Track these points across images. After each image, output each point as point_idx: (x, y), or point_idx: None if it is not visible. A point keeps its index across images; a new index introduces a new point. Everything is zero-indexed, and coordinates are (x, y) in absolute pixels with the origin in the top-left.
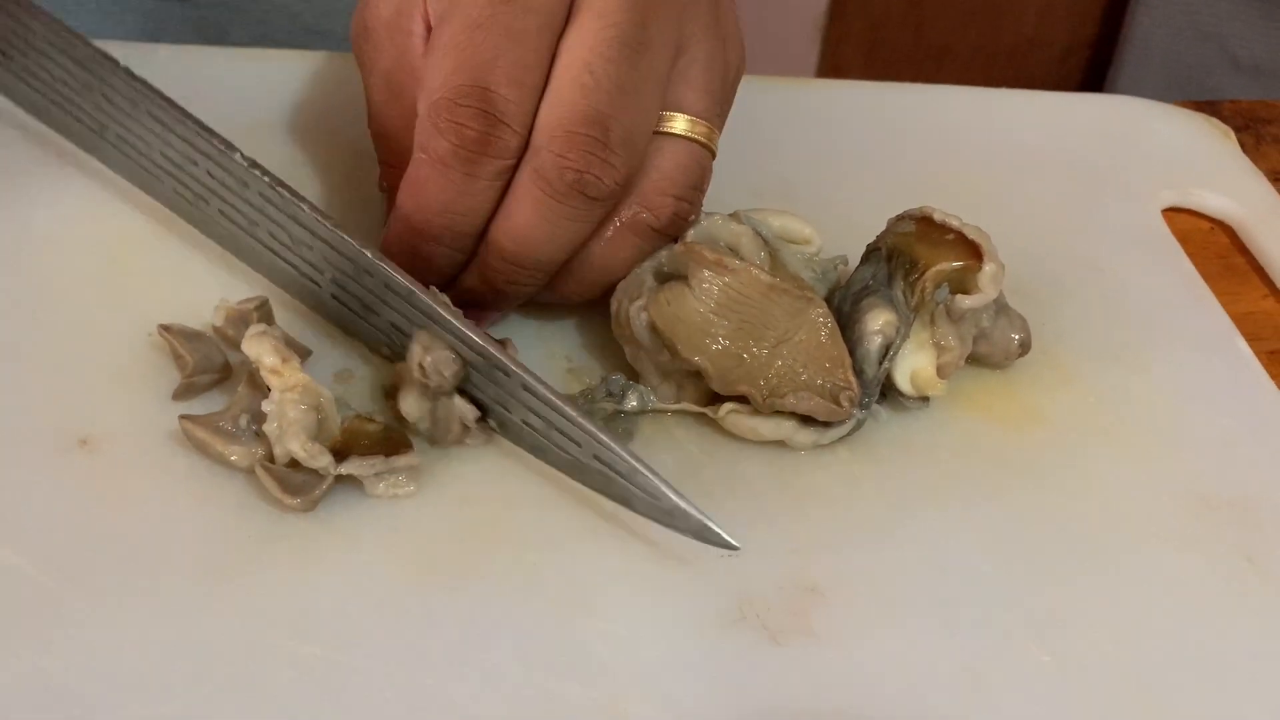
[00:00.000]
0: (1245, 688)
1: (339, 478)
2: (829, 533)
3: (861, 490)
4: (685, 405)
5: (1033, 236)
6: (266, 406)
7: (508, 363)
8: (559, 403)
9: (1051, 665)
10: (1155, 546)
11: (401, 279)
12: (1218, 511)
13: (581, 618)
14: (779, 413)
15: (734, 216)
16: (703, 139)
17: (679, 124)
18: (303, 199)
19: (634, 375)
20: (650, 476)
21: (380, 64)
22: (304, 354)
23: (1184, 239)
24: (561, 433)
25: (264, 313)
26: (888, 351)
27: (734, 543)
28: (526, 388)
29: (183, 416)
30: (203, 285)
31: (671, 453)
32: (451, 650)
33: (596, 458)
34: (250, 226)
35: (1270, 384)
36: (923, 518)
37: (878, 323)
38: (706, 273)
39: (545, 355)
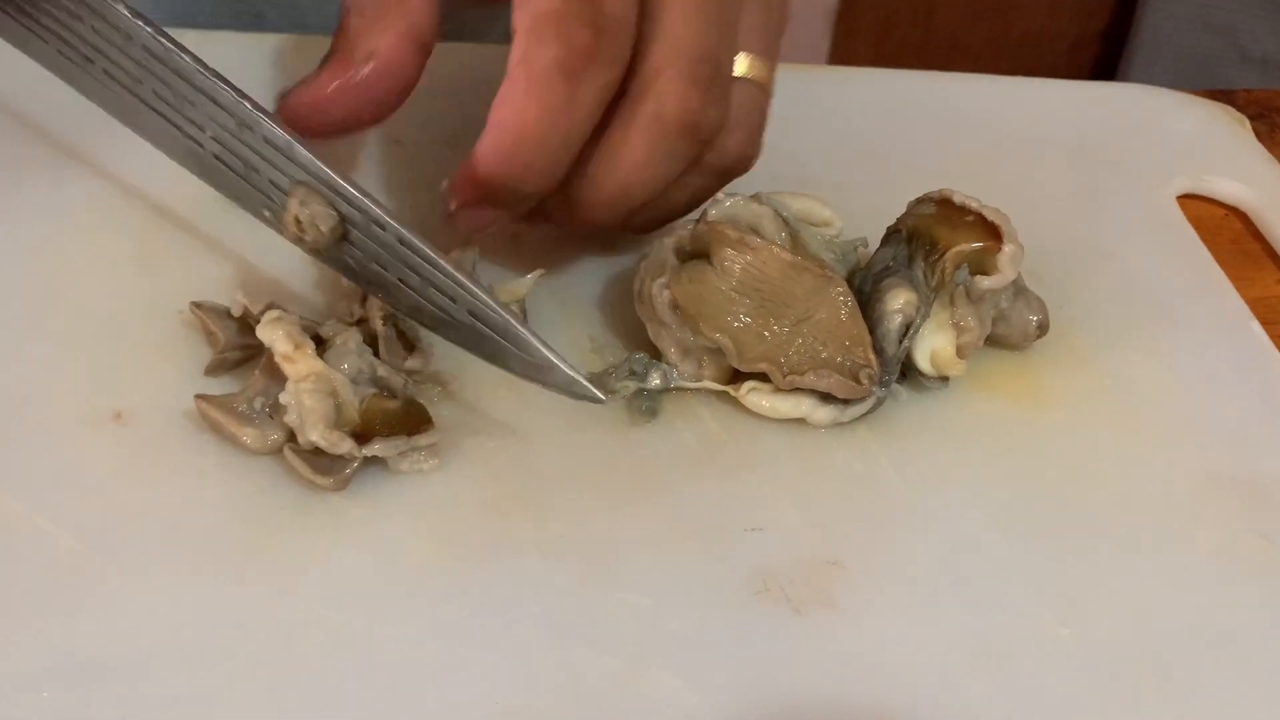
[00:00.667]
0: (1260, 662)
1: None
2: (849, 509)
3: (881, 468)
4: (707, 383)
5: (1048, 222)
6: (284, 398)
7: (385, 216)
8: (435, 257)
9: (1068, 639)
10: (1171, 525)
11: (281, 132)
12: (1232, 491)
13: (605, 589)
14: (799, 390)
15: (755, 198)
16: (763, 80)
17: (741, 65)
18: (185, 50)
19: (656, 354)
20: (524, 331)
21: None
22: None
23: (1198, 225)
24: (437, 289)
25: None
26: (908, 330)
27: (600, 395)
28: (403, 241)
29: (198, 396)
30: (235, 262)
31: (693, 429)
32: (477, 621)
33: (471, 313)
34: (134, 85)
35: None
36: (941, 495)
37: (898, 302)
38: (728, 251)
39: (569, 335)
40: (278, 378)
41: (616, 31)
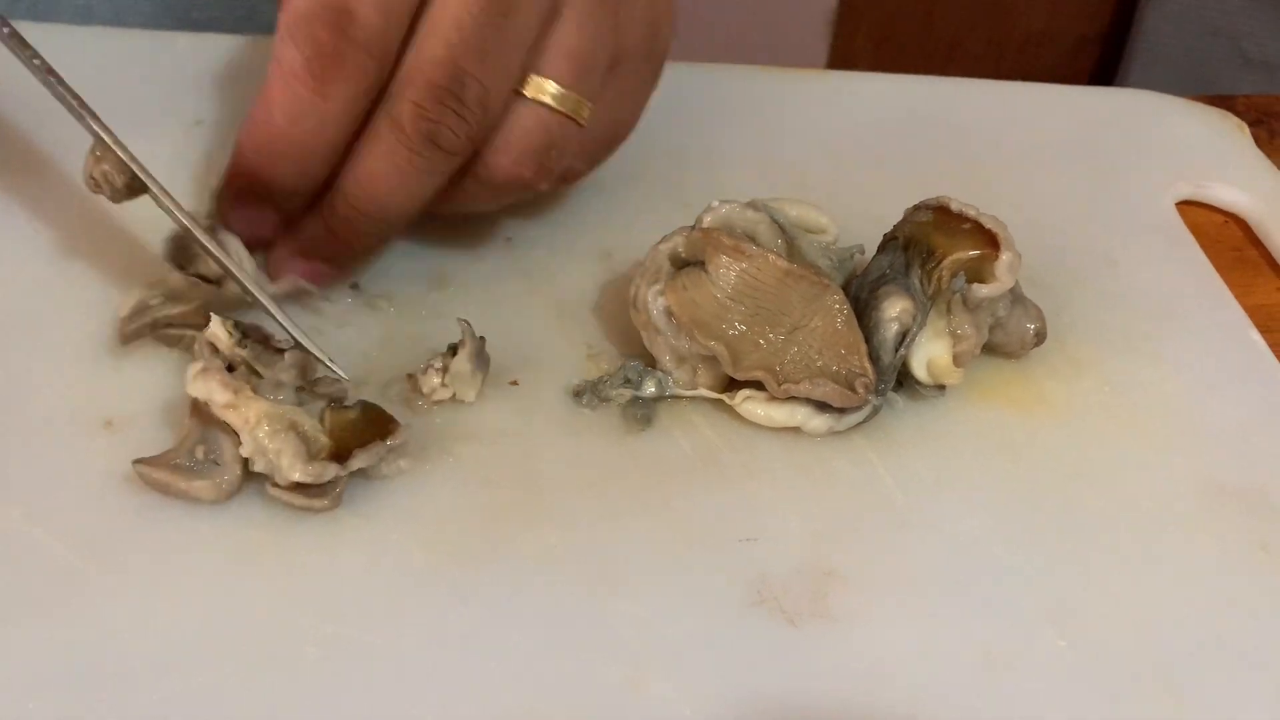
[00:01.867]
0: (1260, 673)
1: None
2: (846, 518)
3: (878, 476)
4: (702, 391)
5: (1046, 228)
6: (244, 450)
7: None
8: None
9: (1067, 650)
10: (1169, 534)
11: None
12: (1231, 500)
13: (602, 598)
14: (794, 399)
15: (751, 204)
16: (563, 108)
17: (535, 88)
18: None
19: (652, 361)
20: (269, 304)
21: None
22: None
23: (1197, 232)
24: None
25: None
26: (904, 339)
27: (343, 375)
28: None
29: (136, 461)
30: None
31: (689, 438)
32: (474, 629)
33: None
34: None
35: None
36: (938, 504)
37: (895, 310)
38: (724, 258)
39: (565, 342)
40: (211, 422)
41: (367, 41)
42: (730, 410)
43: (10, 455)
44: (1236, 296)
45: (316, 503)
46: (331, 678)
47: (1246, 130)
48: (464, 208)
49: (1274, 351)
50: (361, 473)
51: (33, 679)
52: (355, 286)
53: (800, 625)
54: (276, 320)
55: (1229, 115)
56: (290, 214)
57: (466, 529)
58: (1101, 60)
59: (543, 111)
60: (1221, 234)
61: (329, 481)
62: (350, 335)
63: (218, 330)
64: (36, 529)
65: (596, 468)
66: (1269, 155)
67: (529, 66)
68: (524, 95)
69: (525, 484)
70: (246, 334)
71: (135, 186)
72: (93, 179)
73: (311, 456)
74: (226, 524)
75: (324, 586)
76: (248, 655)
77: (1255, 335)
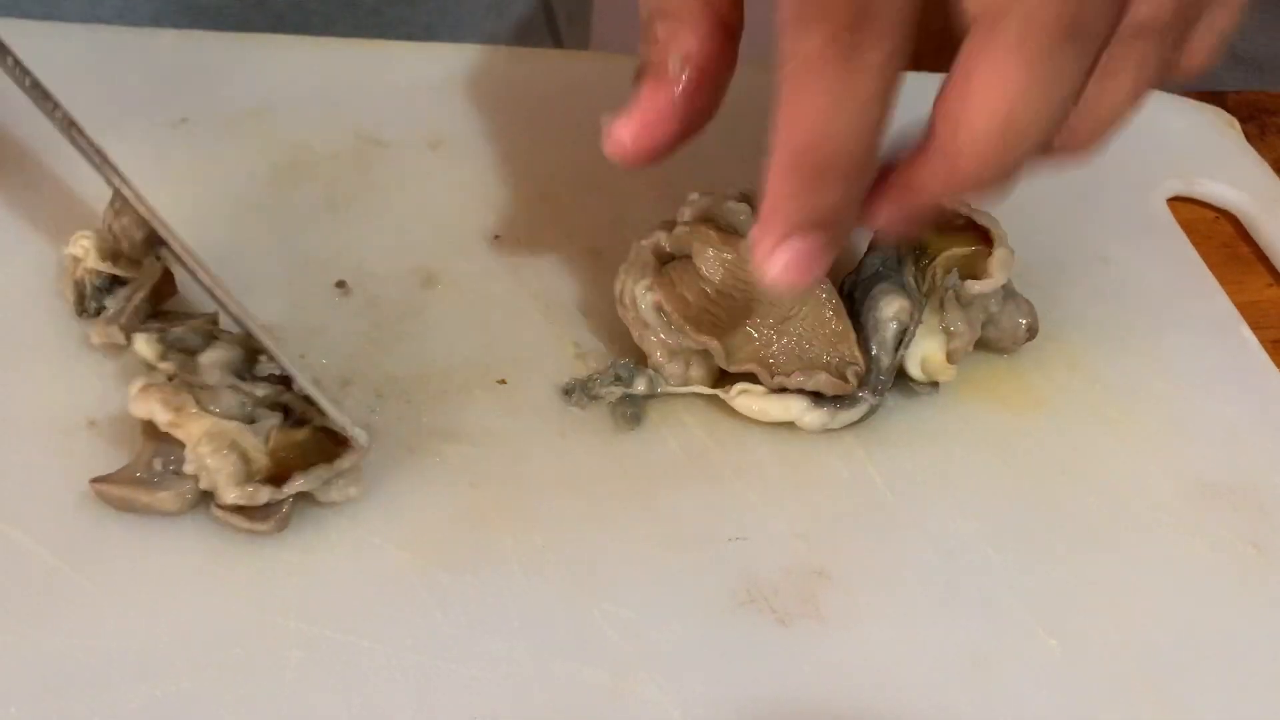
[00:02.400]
0: (1250, 673)
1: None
2: (837, 517)
3: (869, 474)
4: (695, 387)
5: (1037, 225)
6: (188, 467)
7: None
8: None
9: (1057, 649)
10: (1161, 532)
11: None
12: (1222, 497)
13: (589, 600)
14: (788, 392)
15: (737, 196)
16: None
17: None
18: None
19: (642, 358)
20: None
21: None
22: (198, 345)
23: (1189, 228)
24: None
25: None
26: (903, 338)
27: (363, 439)
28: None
29: (94, 480)
30: None
31: (678, 436)
32: (459, 632)
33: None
34: None
35: (1275, 371)
36: (929, 502)
37: (892, 309)
38: (711, 251)
39: (553, 340)
40: (163, 436)
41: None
42: (720, 408)
43: None
44: (1228, 293)
45: (259, 526)
46: (315, 681)
47: (1238, 126)
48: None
49: (1265, 348)
50: (309, 498)
51: (12, 684)
52: (342, 285)
53: (790, 625)
54: (289, 372)
55: (1220, 111)
56: (840, 242)
57: (452, 530)
58: None
59: None
60: (1212, 230)
61: (272, 505)
62: (336, 334)
63: (143, 348)
64: (15, 531)
65: (584, 468)
66: (1260, 152)
67: None
68: None
69: (512, 484)
70: (170, 346)
71: (154, 240)
72: (111, 232)
73: (249, 477)
74: (209, 526)
75: (307, 589)
76: (230, 659)
77: (1246, 332)
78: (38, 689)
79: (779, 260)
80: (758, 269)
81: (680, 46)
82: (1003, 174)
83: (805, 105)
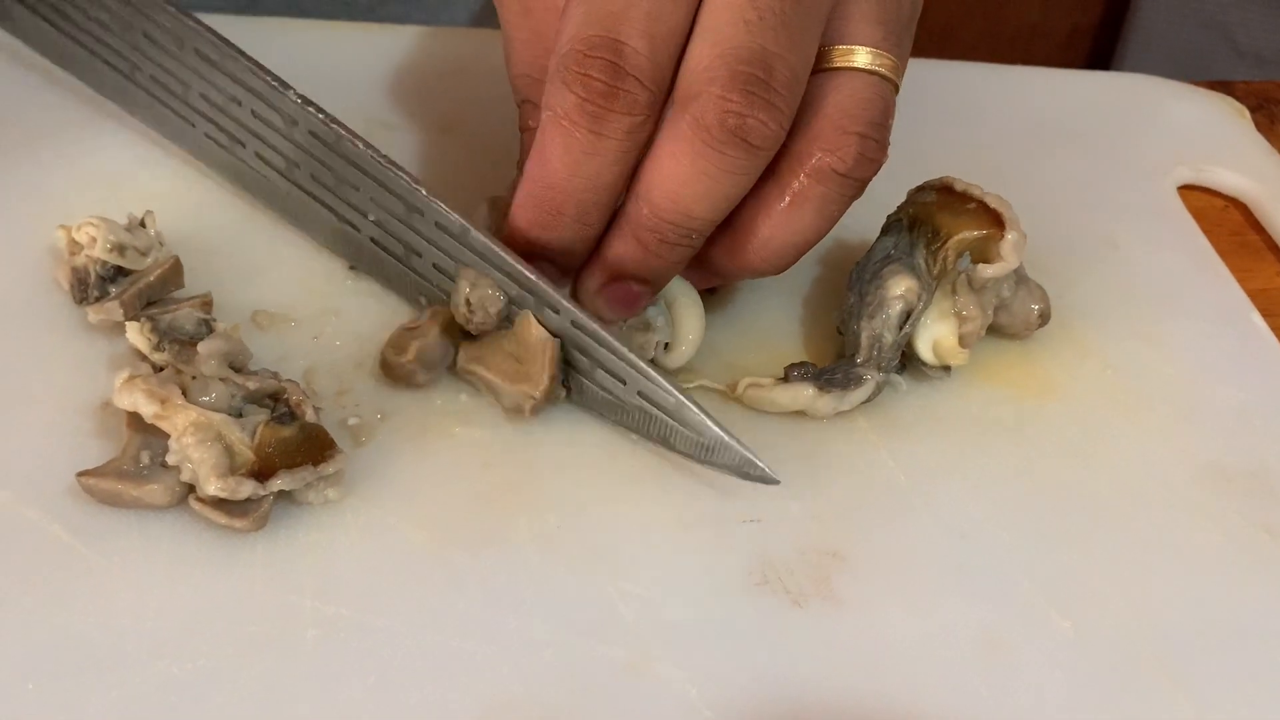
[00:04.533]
0: (1263, 656)
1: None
2: (850, 500)
3: (881, 459)
4: (704, 383)
5: (1048, 212)
6: (171, 458)
7: (559, 298)
8: (608, 338)
9: (1071, 632)
10: (1173, 517)
11: (455, 217)
12: (1235, 482)
13: (604, 580)
14: (796, 381)
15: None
16: (885, 71)
17: (860, 57)
18: (356, 135)
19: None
20: (695, 410)
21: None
22: (194, 334)
23: (1199, 216)
24: (607, 370)
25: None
26: (909, 317)
27: (775, 476)
28: (576, 324)
29: (80, 474)
30: (221, 252)
31: None
32: (475, 611)
33: (641, 394)
34: (289, 170)
35: None
36: (943, 486)
37: (900, 289)
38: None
39: None
40: (149, 428)
41: (641, 70)
42: (733, 394)
43: (2, 435)
44: (1238, 280)
45: (237, 522)
46: (331, 659)
47: (1247, 115)
48: (800, 239)
49: (1276, 336)
50: (288, 497)
51: (29, 661)
52: (354, 269)
53: (804, 606)
54: (699, 420)
55: (1229, 100)
56: (569, 271)
57: (466, 510)
58: (1094, 52)
59: (871, 78)
60: (1222, 218)
61: (252, 501)
62: (349, 317)
63: (136, 337)
64: (31, 510)
65: (597, 449)
66: (1270, 140)
67: (833, 39)
68: (846, 67)
69: (525, 465)
70: (164, 335)
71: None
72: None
73: (233, 471)
74: None
75: (323, 569)
76: (247, 637)
77: (1257, 318)
78: (55, 666)
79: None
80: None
81: (531, 120)
82: (673, 248)
83: (552, 153)
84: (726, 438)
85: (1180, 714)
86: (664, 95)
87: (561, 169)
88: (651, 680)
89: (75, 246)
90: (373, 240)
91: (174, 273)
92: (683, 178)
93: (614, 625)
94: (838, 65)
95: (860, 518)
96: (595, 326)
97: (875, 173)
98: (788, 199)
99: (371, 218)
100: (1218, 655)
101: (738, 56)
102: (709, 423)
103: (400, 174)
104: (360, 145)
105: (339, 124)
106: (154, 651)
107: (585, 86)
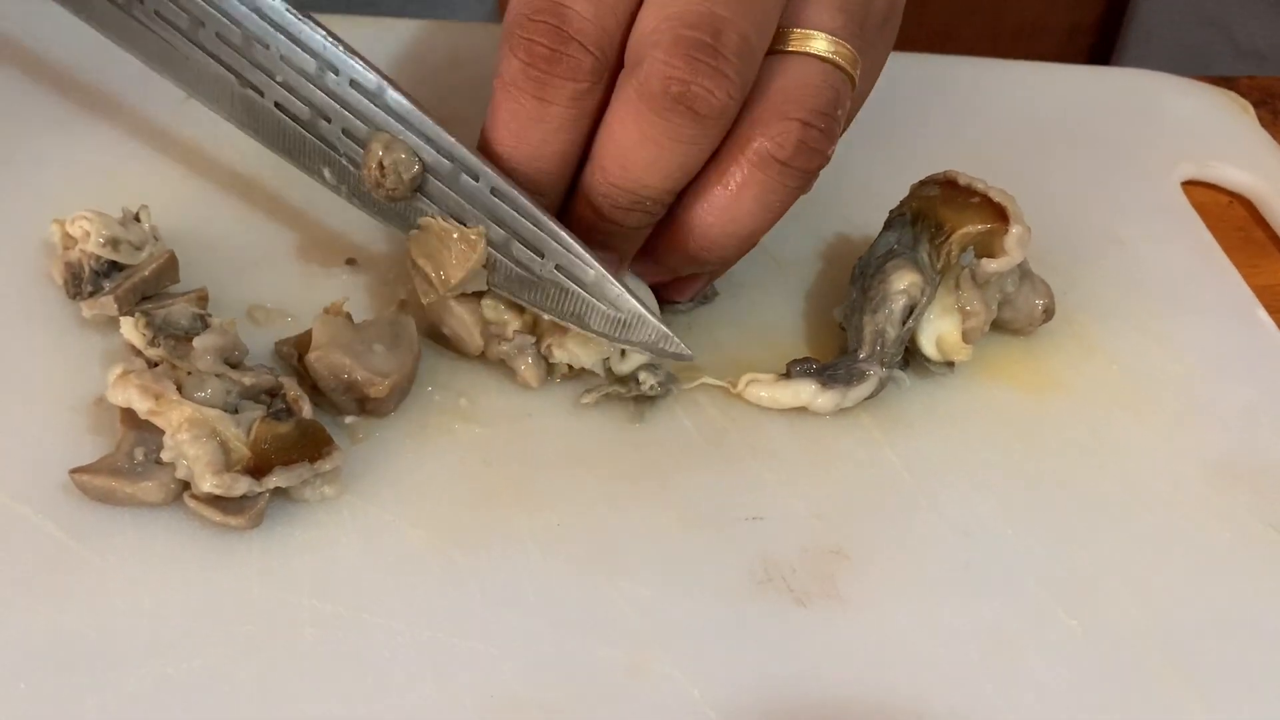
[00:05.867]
0: (1271, 653)
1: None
2: (853, 497)
3: (884, 455)
4: (706, 380)
5: (1052, 208)
6: (166, 455)
7: (481, 164)
8: (530, 207)
9: (1078, 629)
10: (1178, 513)
11: (373, 75)
12: (1242, 480)
13: (605, 578)
14: (798, 378)
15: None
16: (840, 61)
17: (815, 43)
18: None
19: None
20: (614, 284)
21: None
22: (189, 329)
23: (1203, 212)
24: (524, 242)
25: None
26: (912, 312)
27: (688, 352)
28: (495, 190)
29: (74, 470)
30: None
31: (693, 418)
32: (474, 609)
33: (559, 267)
34: (190, 27)
35: None
36: (946, 483)
37: (903, 283)
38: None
39: None
40: (144, 424)
41: (585, 34)
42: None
43: None
44: (1243, 276)
45: (233, 520)
46: (329, 657)
47: (1251, 110)
48: (741, 229)
49: None
50: (284, 494)
51: (23, 660)
52: (352, 262)
53: (808, 605)
54: (617, 294)
55: (1233, 95)
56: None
57: (465, 508)
58: (1094, 50)
59: (823, 64)
60: (1226, 214)
61: (248, 498)
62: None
63: (130, 332)
64: (23, 507)
65: (598, 447)
66: (1273, 136)
67: (791, 21)
68: (796, 51)
69: (525, 463)
70: (159, 330)
71: (421, 181)
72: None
73: (228, 467)
74: None
75: (321, 566)
76: (243, 636)
77: (1263, 314)
78: (49, 665)
79: None
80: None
81: None
82: (627, 213)
83: (502, 118)
84: (643, 311)
85: (1188, 712)
86: (613, 61)
87: (508, 136)
88: (654, 679)
89: (69, 241)
90: (277, 105)
91: (169, 267)
92: (630, 144)
93: (615, 624)
94: (791, 49)
95: (864, 515)
96: (516, 193)
97: (820, 164)
98: (726, 184)
99: (279, 78)
100: (1225, 653)
101: (684, 20)
102: (627, 297)
103: (317, 29)
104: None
105: None
106: (149, 650)
107: (528, 51)
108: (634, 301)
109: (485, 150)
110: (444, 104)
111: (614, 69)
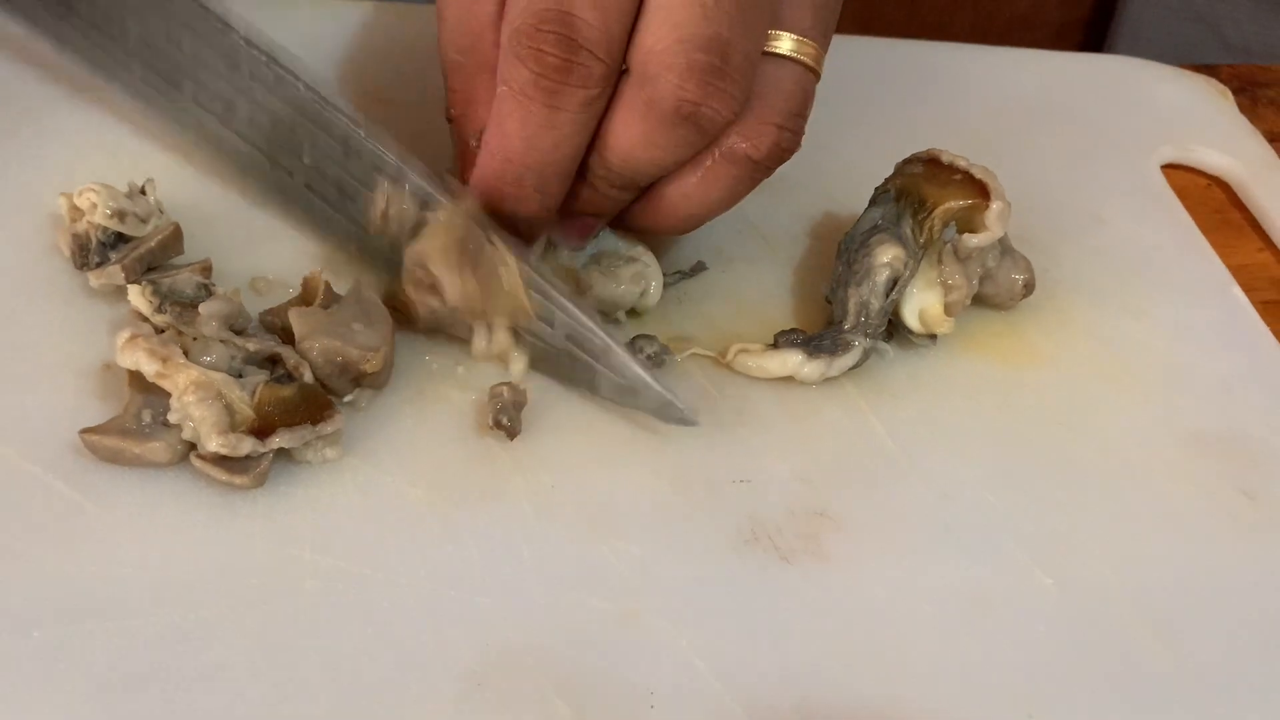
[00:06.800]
0: (1241, 613)
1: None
2: (838, 463)
3: (869, 423)
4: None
5: (1035, 188)
6: (173, 416)
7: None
8: (543, 282)
9: (1053, 589)
10: (1153, 479)
11: (392, 158)
12: (1215, 448)
13: (598, 537)
14: (785, 348)
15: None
16: (809, 60)
17: (784, 44)
18: (297, 74)
19: None
20: (621, 353)
21: None
22: (195, 297)
23: (1182, 194)
24: (537, 316)
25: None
26: (895, 284)
27: (694, 418)
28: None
29: (83, 431)
30: (225, 223)
31: (683, 386)
32: (470, 564)
33: (570, 338)
34: (225, 114)
35: (1265, 329)
36: (928, 450)
37: (886, 256)
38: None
39: None
40: (151, 388)
41: (594, 43)
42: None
43: (6, 393)
44: (1219, 256)
45: (237, 479)
46: (330, 609)
47: (1230, 96)
48: (705, 211)
49: (1255, 309)
50: (287, 456)
51: (35, 609)
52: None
53: (793, 562)
54: (624, 363)
55: (1214, 81)
56: (531, 239)
57: (462, 469)
58: (1084, 45)
59: (796, 67)
60: (1205, 197)
61: (252, 458)
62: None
63: (138, 299)
64: (32, 464)
65: (590, 412)
66: (1252, 122)
67: (770, 22)
68: (773, 53)
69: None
70: (166, 297)
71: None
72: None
73: (233, 428)
74: None
75: (322, 523)
76: (247, 588)
77: (1237, 291)
78: (59, 614)
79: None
80: None
81: (454, 108)
82: (621, 190)
83: (510, 127)
84: (649, 379)
85: (1159, 665)
86: (618, 65)
87: (519, 143)
88: (644, 630)
89: (76, 213)
90: (306, 186)
91: (174, 239)
92: (635, 143)
93: (607, 579)
94: (768, 50)
95: (848, 480)
96: (529, 266)
97: (787, 160)
98: (701, 175)
99: (307, 160)
100: (1196, 610)
101: (695, 44)
102: (632, 363)
103: (340, 115)
104: (302, 88)
105: (280, 65)
106: (156, 600)
107: (539, 61)
108: (638, 368)
109: (494, 155)
110: (435, 84)
111: (620, 71)
